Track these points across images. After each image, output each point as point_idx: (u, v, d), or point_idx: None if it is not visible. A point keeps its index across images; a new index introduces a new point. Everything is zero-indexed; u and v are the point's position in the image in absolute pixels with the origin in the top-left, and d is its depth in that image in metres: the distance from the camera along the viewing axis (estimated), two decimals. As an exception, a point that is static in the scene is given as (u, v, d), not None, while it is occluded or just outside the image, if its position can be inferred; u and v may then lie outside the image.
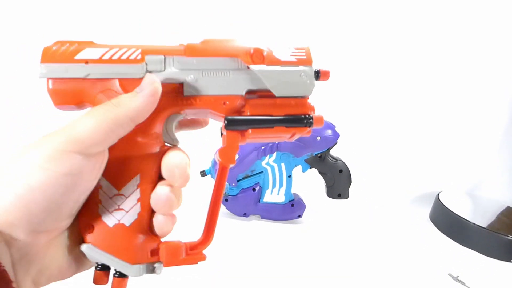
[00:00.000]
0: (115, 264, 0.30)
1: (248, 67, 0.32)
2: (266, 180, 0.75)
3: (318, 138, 0.71)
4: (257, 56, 0.32)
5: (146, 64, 0.31)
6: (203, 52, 0.32)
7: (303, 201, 0.78)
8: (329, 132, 0.72)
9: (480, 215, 0.89)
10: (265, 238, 0.70)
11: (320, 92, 1.11)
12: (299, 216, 0.78)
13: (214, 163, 0.73)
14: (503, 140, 1.10)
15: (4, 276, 0.24)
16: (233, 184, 0.74)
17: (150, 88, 0.29)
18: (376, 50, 1.08)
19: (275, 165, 0.74)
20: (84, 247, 0.29)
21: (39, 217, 0.25)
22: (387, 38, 1.07)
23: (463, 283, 0.62)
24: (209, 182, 0.75)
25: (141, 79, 0.30)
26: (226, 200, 0.76)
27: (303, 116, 0.33)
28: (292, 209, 0.77)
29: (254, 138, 0.33)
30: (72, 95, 0.30)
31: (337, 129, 0.73)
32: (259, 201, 0.76)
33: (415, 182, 1.01)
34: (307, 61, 0.33)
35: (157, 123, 0.31)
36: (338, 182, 0.75)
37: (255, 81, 0.32)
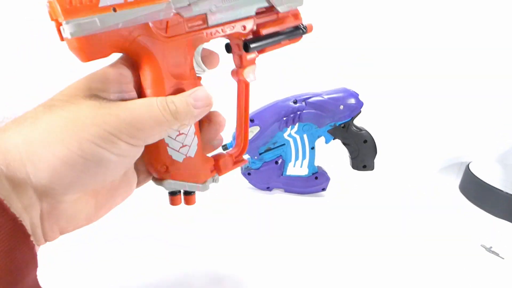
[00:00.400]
0: (190, 188, 0.36)
1: None
2: (288, 153, 0.74)
3: (341, 107, 0.68)
4: None
5: (171, 1, 0.29)
6: None
7: (327, 173, 0.76)
8: (353, 100, 0.69)
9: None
10: (289, 211, 0.69)
11: (344, 60, 1.07)
12: (323, 189, 0.76)
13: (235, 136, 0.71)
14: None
15: (23, 231, 0.24)
16: (255, 157, 0.73)
17: (205, 109, 0.32)
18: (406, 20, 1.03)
19: (297, 137, 0.72)
20: (165, 183, 0.35)
21: (84, 182, 0.27)
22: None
23: (496, 254, 0.60)
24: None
25: (171, 18, 0.30)
26: (249, 174, 0.75)
27: (299, 27, 0.39)
28: (316, 181, 0.75)
29: (267, 52, 0.38)
30: (102, 48, 0.27)
31: (360, 97, 0.70)
32: (282, 174, 0.75)
33: (443, 152, 0.98)
34: None
35: (190, 60, 0.33)
36: (362, 152, 0.73)
37: (261, 1, 0.35)
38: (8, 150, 0.25)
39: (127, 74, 0.30)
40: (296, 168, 0.75)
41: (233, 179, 0.79)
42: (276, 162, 0.74)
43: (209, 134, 0.37)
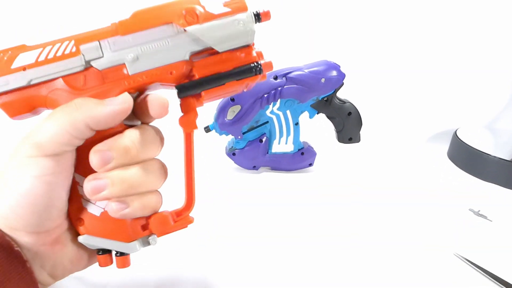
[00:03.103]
0: (114, 246, 0.32)
1: (185, 30, 0.31)
2: (272, 130, 0.73)
3: (323, 80, 0.67)
4: (191, 16, 0.31)
5: (83, 55, 0.30)
6: (136, 27, 0.31)
7: (313, 148, 0.75)
8: (334, 73, 0.68)
9: (500, 148, 0.85)
10: (277, 189, 0.68)
11: (324, 30, 1.06)
12: (311, 164, 0.76)
13: (216, 116, 0.70)
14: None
15: (19, 256, 0.27)
16: (239, 137, 0.72)
17: (120, 106, 0.29)
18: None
19: (280, 113, 0.71)
20: (81, 239, 0.32)
21: (31, 220, 0.28)
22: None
23: (484, 217, 0.60)
24: (213, 138, 0.73)
25: (84, 71, 0.30)
26: (234, 154, 0.74)
27: (251, 65, 0.33)
28: (302, 157, 0.75)
29: (210, 98, 0.34)
30: (22, 104, 0.30)
31: (342, 69, 0.69)
32: (267, 152, 0.74)
33: (430, 120, 0.97)
34: (242, 8, 0.32)
35: None
36: (347, 125, 0.72)
37: (196, 42, 0.32)
38: None
39: None
40: (281, 145, 0.74)
41: (218, 161, 0.78)
42: (261, 141, 0.73)
43: None
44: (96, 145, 0.29)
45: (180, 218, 0.35)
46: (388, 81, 1.04)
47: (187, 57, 0.32)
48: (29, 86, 0.30)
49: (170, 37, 0.32)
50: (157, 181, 0.32)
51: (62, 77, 0.30)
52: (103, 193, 0.29)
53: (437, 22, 1.03)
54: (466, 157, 0.81)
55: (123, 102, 0.29)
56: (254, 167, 0.75)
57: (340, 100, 0.71)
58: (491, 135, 0.92)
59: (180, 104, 0.33)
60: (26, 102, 0.30)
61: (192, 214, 0.40)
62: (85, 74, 0.30)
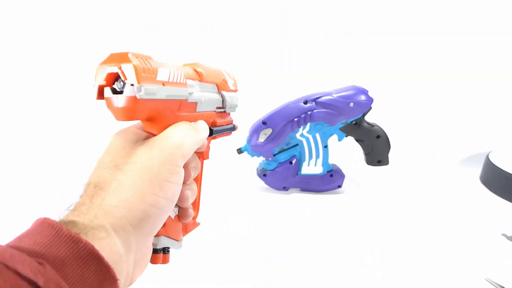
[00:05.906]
0: (172, 244, 0.39)
1: (219, 92, 0.45)
2: (302, 152, 0.75)
3: (351, 104, 0.69)
4: (224, 85, 0.46)
5: (188, 87, 0.37)
6: (207, 79, 0.42)
7: (341, 170, 0.77)
8: (363, 97, 0.70)
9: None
10: (306, 210, 0.70)
11: (352, 57, 1.08)
12: (339, 186, 0.77)
13: (249, 139, 0.73)
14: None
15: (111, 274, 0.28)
16: (270, 158, 0.74)
17: (207, 132, 0.40)
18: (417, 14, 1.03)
19: (310, 136, 0.73)
20: (160, 239, 0.37)
21: (150, 235, 0.32)
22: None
23: (518, 242, 0.59)
24: (245, 159, 0.76)
25: (185, 99, 0.37)
26: (265, 175, 0.76)
27: (234, 125, 0.48)
28: (331, 179, 0.76)
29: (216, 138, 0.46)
30: (146, 112, 0.32)
31: (370, 94, 0.71)
32: (297, 174, 0.76)
33: (461, 143, 0.96)
34: (236, 89, 0.49)
35: None
36: (376, 148, 0.73)
37: (221, 101, 0.45)
38: (109, 211, 0.30)
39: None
40: (311, 167, 0.76)
41: (250, 181, 0.80)
42: (291, 162, 0.75)
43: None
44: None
45: (195, 223, 0.46)
46: (417, 104, 1.05)
47: (214, 109, 0.44)
48: (164, 100, 0.33)
49: (213, 92, 0.44)
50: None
51: (177, 100, 0.36)
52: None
53: (471, 42, 1.04)
54: (499, 181, 0.80)
55: (206, 128, 0.39)
56: (284, 188, 0.77)
57: (368, 123, 0.73)
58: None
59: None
60: (150, 111, 0.33)
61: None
62: (180, 102, 0.36)
